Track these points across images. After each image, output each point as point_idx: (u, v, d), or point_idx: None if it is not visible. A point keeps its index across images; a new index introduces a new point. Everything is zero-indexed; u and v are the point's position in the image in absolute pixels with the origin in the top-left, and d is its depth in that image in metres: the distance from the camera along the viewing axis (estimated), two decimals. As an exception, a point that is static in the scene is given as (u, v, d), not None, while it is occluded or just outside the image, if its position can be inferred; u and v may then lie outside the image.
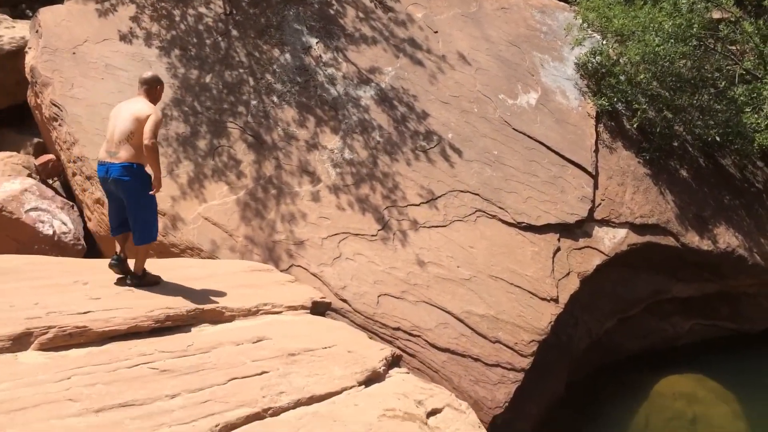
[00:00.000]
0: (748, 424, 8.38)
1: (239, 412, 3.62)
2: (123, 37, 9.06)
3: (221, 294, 5.54)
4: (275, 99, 8.94)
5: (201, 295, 5.34)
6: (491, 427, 6.82)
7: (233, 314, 5.21)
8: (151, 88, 5.28)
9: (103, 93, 8.46)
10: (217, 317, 5.13)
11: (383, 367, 4.77)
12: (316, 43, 9.62)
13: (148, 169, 5.16)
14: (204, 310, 5.00)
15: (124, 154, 4.95)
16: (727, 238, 9.68)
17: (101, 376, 3.70)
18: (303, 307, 5.81)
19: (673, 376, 8.97)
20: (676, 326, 10.06)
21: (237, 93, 8.92)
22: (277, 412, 3.77)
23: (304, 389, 4.07)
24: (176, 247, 7.56)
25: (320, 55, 9.49)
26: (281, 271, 7.28)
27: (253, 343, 4.57)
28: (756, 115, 9.77)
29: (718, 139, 10.00)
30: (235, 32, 9.54)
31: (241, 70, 9.15)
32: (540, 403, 7.59)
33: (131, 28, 9.20)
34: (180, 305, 4.89)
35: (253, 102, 8.83)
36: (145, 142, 4.85)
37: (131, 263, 5.48)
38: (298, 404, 3.92)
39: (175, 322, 4.69)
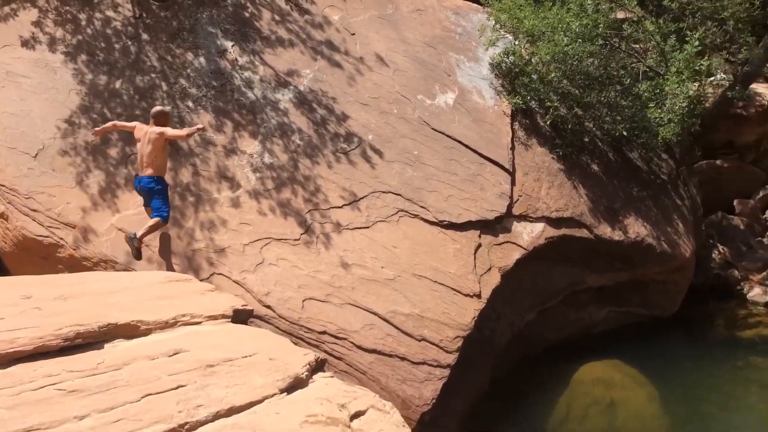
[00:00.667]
0: (662, 405, 8.79)
1: (153, 429, 3.51)
2: (25, 43, 8.65)
3: (136, 307, 5.36)
4: (190, 104, 8.73)
5: (115, 310, 5.15)
6: (419, 425, 6.90)
7: (149, 328, 5.05)
8: (157, 120, 7.36)
9: (4, 101, 8.04)
10: (132, 332, 4.96)
11: (306, 373, 4.73)
12: (232, 46, 9.46)
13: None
14: (117, 325, 4.81)
15: (148, 171, 7.22)
16: (636, 228, 10.16)
17: (3, 401, 3.51)
18: (224, 316, 5.69)
19: (591, 363, 9.33)
20: (591, 315, 10.49)
21: (149, 98, 8.66)
22: (194, 426, 3.67)
23: (223, 401, 3.98)
24: (89, 260, 7.27)
25: (236, 59, 9.34)
26: (201, 280, 7.12)
27: (170, 356, 4.44)
28: (659, 110, 10.28)
29: (625, 133, 10.48)
30: (145, 36, 9.26)
31: (153, 75, 8.89)
32: (465, 398, 7.74)
33: (33, 34, 8.79)
34: (91, 321, 4.69)
35: (167, 107, 8.59)
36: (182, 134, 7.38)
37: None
38: (216, 417, 3.84)
39: (86, 339, 4.50)
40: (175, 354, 4.50)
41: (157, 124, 7.30)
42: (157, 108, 7.50)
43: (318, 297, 7.41)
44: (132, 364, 4.23)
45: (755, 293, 12.85)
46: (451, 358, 7.45)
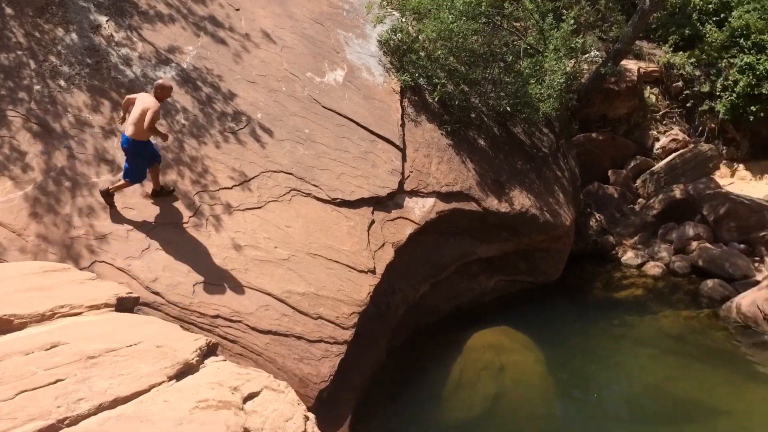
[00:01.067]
0: (547, 366, 9.36)
1: (30, 427, 3.32)
2: None
3: (9, 300, 5.02)
4: (62, 83, 8.18)
5: (-16, 305, 4.80)
6: (318, 402, 6.95)
7: (24, 321, 4.75)
8: (154, 91, 7.19)
9: None
10: (6, 326, 4.65)
11: (197, 358, 4.64)
12: (107, 21, 8.93)
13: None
14: (-13, 320, 4.50)
15: (129, 130, 6.98)
16: (521, 200, 10.64)
17: None
18: (107, 305, 5.45)
19: (483, 330, 9.75)
20: (482, 284, 10.94)
21: (16, 77, 8.03)
22: (75, 421, 3.51)
23: (107, 392, 3.83)
24: (-49, 253, 6.70)
25: (112, 35, 8.83)
26: (82, 269, 6.75)
27: (46, 350, 4.20)
28: (539, 86, 10.76)
29: (509, 109, 10.90)
30: (9, 10, 8.55)
31: (19, 52, 8.24)
32: (364, 372, 7.88)
33: None
34: (-42, 319, 4.36)
35: (37, 87, 8.02)
36: (145, 127, 6.85)
37: None
38: (100, 409, 3.69)
39: (-48, 338, 4.18)
40: (52, 347, 4.27)
41: (156, 96, 7.12)
42: (159, 81, 7.33)
43: (210, 280, 7.24)
44: (4, 361, 3.97)
45: (628, 257, 13.85)
46: (347, 335, 7.54)
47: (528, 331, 9.95)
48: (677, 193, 14.70)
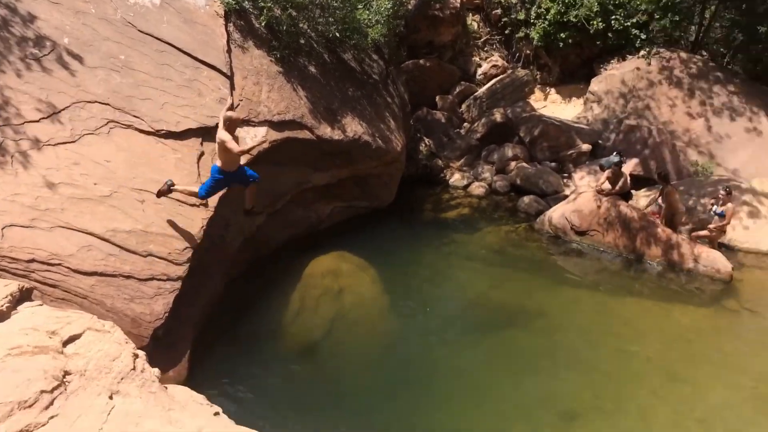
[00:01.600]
0: (382, 286, 9.80)
1: None
2: None
3: None
4: None
5: None
6: (153, 340, 6.79)
7: None
8: (223, 123, 7.45)
9: None
10: None
11: (7, 305, 4.30)
12: None
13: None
14: None
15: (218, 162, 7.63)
16: (353, 127, 10.79)
17: None
18: None
19: (320, 257, 9.96)
20: (318, 212, 11.10)
21: None
22: None
23: None
24: None
25: None
26: None
27: None
28: (367, 12, 10.77)
29: (338, 35, 10.84)
30: None
31: None
32: (200, 306, 7.77)
33: None
34: None
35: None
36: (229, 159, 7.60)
37: None
38: None
39: None
40: None
41: (226, 129, 7.42)
42: (227, 114, 7.53)
43: (21, 223, 6.64)
44: None
45: (455, 179, 14.72)
46: (181, 270, 7.36)
47: (364, 254, 10.31)
48: (497, 116, 15.71)
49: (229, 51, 9.62)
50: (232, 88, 9.34)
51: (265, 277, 9.35)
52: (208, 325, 7.95)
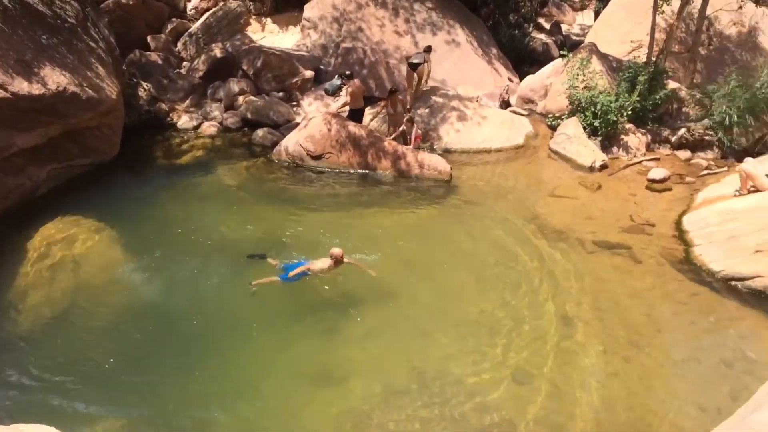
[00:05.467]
0: (122, 244, 9.21)
1: None
2: None
3: None
4: None
5: None
6: None
7: None
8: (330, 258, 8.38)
9: None
10: None
11: None
12: None
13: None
14: None
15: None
16: (55, 78, 9.69)
17: None
18: None
19: (46, 225, 9.04)
20: (32, 177, 9.92)
21: None
22: None
23: None
24: None
25: None
26: None
27: None
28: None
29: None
30: None
31: None
32: None
33: None
34: None
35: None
36: None
37: None
38: None
39: None
40: None
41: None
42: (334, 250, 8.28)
43: None
44: None
45: (183, 121, 14.12)
46: None
47: (97, 215, 9.58)
48: (217, 52, 15.28)
49: None
50: None
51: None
52: None
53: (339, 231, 10.04)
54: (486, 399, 6.90)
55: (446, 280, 9.02)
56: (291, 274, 8.35)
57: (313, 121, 12.84)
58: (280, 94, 15.27)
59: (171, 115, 14.17)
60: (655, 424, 6.64)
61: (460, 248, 9.89)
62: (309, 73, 15.70)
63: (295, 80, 15.50)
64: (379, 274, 8.60)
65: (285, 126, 14.17)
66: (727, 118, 13.08)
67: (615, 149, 13.73)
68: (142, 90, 14.05)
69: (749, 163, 10.56)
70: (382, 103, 13.90)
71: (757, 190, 10.19)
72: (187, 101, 14.59)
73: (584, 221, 10.84)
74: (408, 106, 14.17)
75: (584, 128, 13.76)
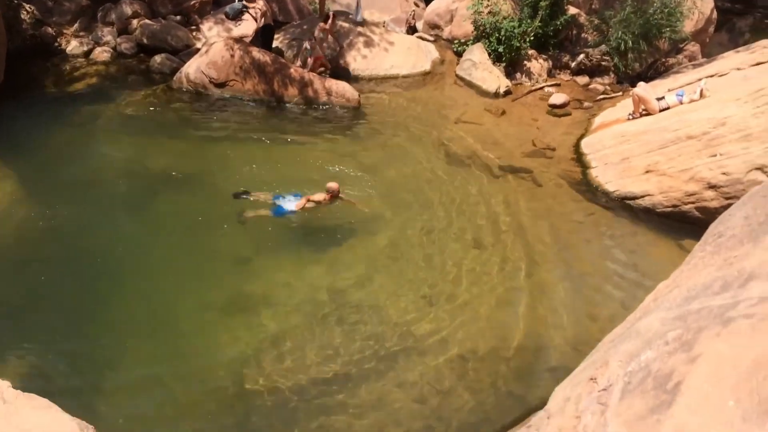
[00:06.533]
0: (19, 186, 8.62)
1: None
2: None
3: None
4: None
5: None
6: None
7: None
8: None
9: None
10: None
11: None
12: None
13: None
14: None
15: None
16: None
17: None
18: None
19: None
20: None
21: None
22: None
23: None
24: None
25: None
26: None
27: None
28: None
29: None
30: None
31: None
32: None
33: None
34: None
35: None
36: None
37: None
38: None
39: None
40: None
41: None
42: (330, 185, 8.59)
43: None
44: None
45: (73, 46, 13.15)
46: None
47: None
48: (105, -30, 14.16)
49: None
50: None
51: None
52: None
53: (246, 162, 9.89)
54: (400, 320, 7.19)
55: (359, 210, 9.12)
56: (296, 206, 8.50)
57: (215, 47, 12.31)
58: (178, 17, 14.48)
59: (59, 39, 13.16)
60: (550, 335, 7.18)
61: (373, 177, 9.99)
62: (208, -5, 14.92)
63: (192, 2, 14.70)
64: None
65: (185, 52, 13.54)
66: (622, 44, 13.63)
67: (518, 75, 14.09)
68: (25, 12, 12.86)
69: (641, 88, 11.15)
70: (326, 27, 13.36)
71: (649, 114, 10.82)
72: (76, 24, 13.56)
73: (490, 146, 11.19)
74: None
75: (489, 54, 13.99)
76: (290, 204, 8.57)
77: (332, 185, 8.53)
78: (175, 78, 12.37)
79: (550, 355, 6.87)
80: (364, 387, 6.29)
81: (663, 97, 10.87)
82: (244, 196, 8.86)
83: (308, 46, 12.85)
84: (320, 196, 8.55)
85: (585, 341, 6.70)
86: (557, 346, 6.98)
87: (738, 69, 11.36)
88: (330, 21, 13.41)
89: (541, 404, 4.10)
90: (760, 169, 8.71)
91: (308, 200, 8.50)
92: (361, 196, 9.19)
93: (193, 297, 7.34)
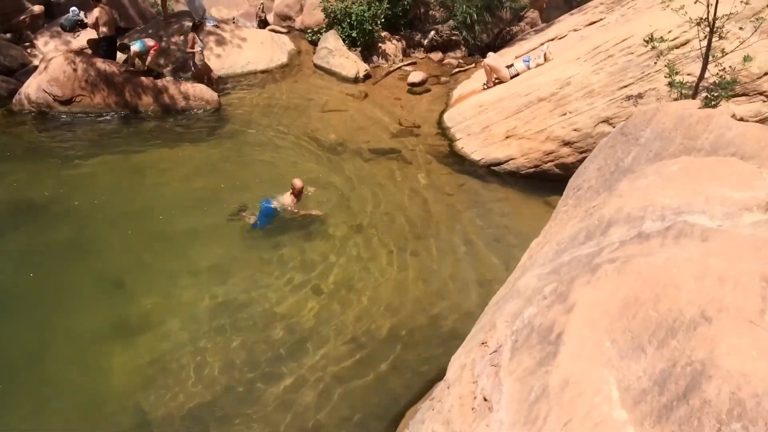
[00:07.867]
0: None
1: None
2: None
3: None
4: None
5: None
6: None
7: None
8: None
9: None
10: None
11: None
12: None
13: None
14: None
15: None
16: None
17: None
18: None
19: None
20: None
21: None
22: None
23: None
24: None
25: None
26: None
27: None
28: None
29: None
30: None
31: None
32: None
33: None
34: None
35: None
36: None
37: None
38: None
39: None
40: None
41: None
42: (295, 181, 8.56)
43: None
44: None
45: None
46: None
47: None
48: None
49: None
50: None
51: None
52: None
53: (105, 180, 9.37)
54: (289, 315, 7.11)
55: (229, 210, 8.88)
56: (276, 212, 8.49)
57: (54, 62, 11.44)
58: (8, 35, 13.33)
59: None
60: (442, 307, 7.39)
61: (240, 176, 9.73)
62: (38, 8, 13.88)
63: (22, 17, 13.59)
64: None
65: (21, 71, 12.51)
66: (468, 18, 14.17)
67: (375, 58, 14.27)
68: None
69: (491, 58, 11.68)
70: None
71: (501, 82, 11.36)
72: None
73: (358, 131, 11.29)
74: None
75: (343, 40, 14.05)
76: (266, 213, 8.54)
77: (295, 182, 8.51)
78: (14, 100, 11.38)
79: (445, 326, 7.08)
80: (268, 392, 6.18)
81: (512, 65, 11.45)
82: (243, 214, 8.74)
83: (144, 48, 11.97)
84: (284, 198, 8.57)
85: (477, 306, 6.97)
86: (450, 316, 7.20)
87: (575, 30, 12.19)
88: (200, 28, 12.73)
89: (442, 375, 4.22)
90: (605, 121, 9.43)
91: (277, 206, 8.55)
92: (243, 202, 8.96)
93: (66, 329, 6.81)
